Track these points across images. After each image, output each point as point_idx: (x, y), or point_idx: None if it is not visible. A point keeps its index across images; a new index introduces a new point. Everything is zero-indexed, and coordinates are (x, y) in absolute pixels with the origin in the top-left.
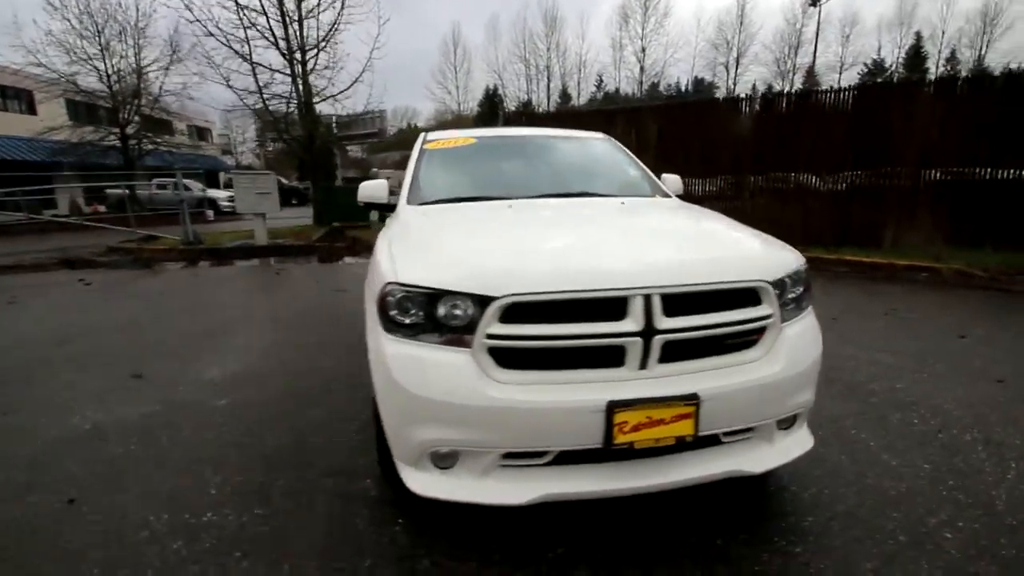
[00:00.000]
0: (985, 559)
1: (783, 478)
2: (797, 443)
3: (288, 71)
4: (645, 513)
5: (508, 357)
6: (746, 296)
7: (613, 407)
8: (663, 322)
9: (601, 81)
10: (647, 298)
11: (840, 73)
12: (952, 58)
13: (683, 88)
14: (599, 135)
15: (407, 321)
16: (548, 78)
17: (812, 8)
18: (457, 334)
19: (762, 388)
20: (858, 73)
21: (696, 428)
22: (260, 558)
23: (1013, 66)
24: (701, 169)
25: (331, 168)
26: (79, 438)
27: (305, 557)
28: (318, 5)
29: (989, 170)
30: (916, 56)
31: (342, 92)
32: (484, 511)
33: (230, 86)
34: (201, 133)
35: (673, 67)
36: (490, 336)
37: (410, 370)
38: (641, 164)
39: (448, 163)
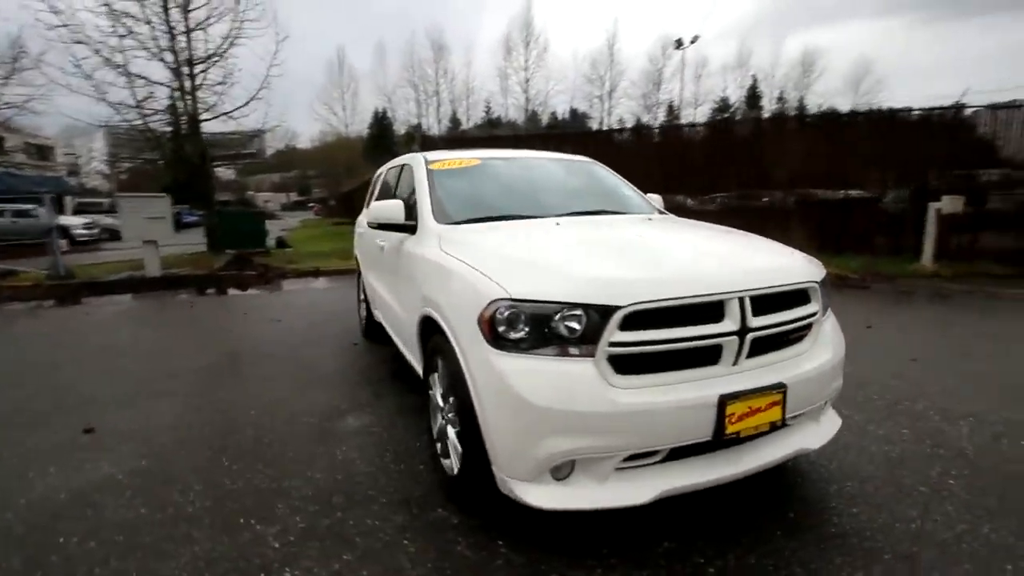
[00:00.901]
0: (987, 495)
1: (810, 454)
2: (832, 420)
3: (176, 85)
4: (715, 501)
5: (624, 363)
6: (800, 296)
7: (724, 400)
8: (753, 321)
9: (489, 108)
10: (741, 300)
11: (695, 108)
12: (781, 98)
13: (559, 118)
14: (585, 158)
15: (515, 336)
16: (438, 103)
17: (676, 51)
18: (571, 345)
19: (822, 374)
20: (710, 109)
21: (783, 413)
22: None
23: (825, 107)
24: None
25: (210, 191)
26: (63, 505)
27: None
28: (207, 19)
29: (842, 192)
30: (753, 95)
31: (238, 109)
32: (566, 518)
33: (104, 99)
34: (42, 152)
35: (555, 97)
36: (612, 344)
37: (537, 385)
38: (630, 184)
39: (464, 183)
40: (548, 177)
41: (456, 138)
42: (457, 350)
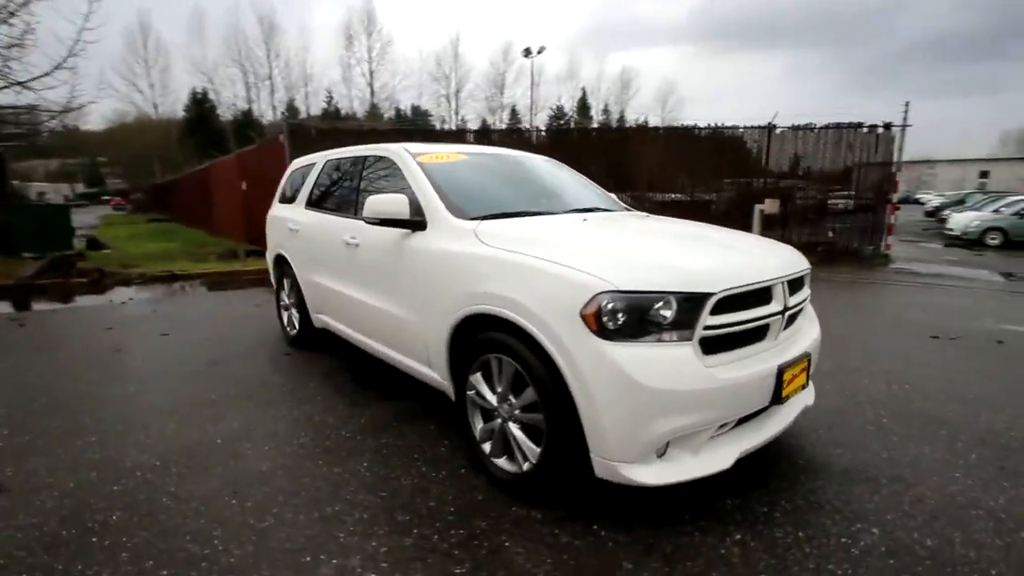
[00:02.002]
0: (913, 427)
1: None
2: (812, 384)
3: None
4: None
5: (708, 344)
6: (803, 281)
7: (783, 369)
8: (790, 301)
9: (331, 98)
10: (783, 284)
11: (535, 114)
12: (606, 110)
13: (402, 113)
14: (546, 157)
15: (618, 326)
16: (272, 88)
17: (525, 59)
18: (667, 330)
19: (819, 343)
20: (547, 115)
21: (807, 377)
22: None
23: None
24: None
25: (5, 179)
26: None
27: None
28: None
29: (687, 195)
30: (584, 106)
31: (38, 78)
32: (631, 496)
33: None
34: None
35: (403, 92)
36: (706, 327)
37: (649, 369)
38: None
39: (465, 179)
40: (535, 174)
41: (328, 128)
42: (548, 344)
